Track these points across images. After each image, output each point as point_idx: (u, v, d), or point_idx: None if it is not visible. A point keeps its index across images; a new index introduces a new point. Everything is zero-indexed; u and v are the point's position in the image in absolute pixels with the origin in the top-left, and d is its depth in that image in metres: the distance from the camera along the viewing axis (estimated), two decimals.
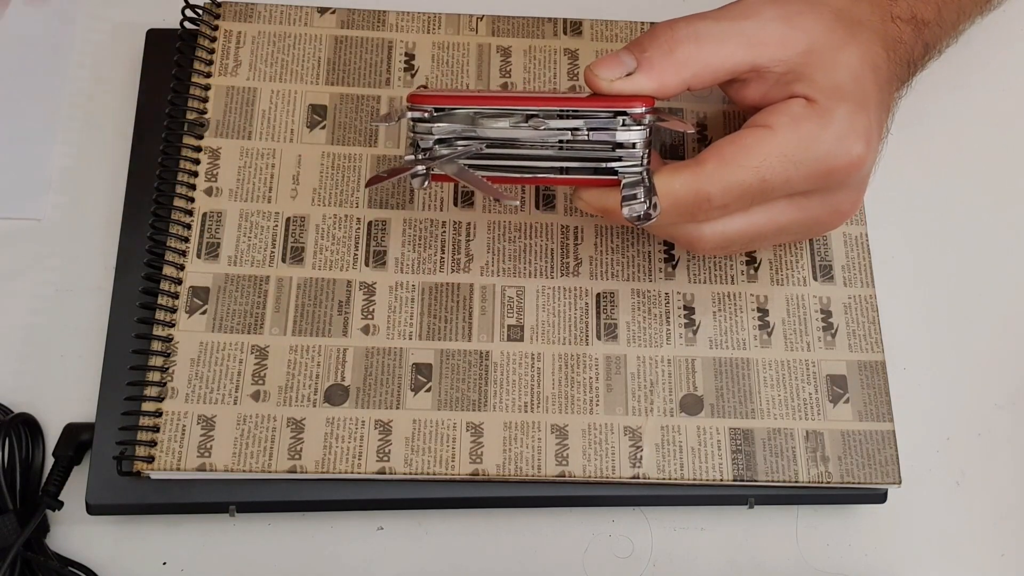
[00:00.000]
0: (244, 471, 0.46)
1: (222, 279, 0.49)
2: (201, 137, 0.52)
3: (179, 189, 0.50)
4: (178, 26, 0.53)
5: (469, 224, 0.51)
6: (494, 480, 0.47)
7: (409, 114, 0.43)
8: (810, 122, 0.43)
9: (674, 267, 0.51)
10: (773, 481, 0.48)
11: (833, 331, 0.50)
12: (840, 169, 0.43)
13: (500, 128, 0.43)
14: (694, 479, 0.47)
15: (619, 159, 0.43)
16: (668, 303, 0.51)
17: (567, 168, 0.44)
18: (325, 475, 0.46)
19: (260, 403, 0.47)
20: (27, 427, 0.48)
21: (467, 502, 0.47)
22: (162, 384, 0.47)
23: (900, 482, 0.48)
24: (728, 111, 0.54)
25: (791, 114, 0.43)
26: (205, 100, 0.52)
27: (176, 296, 0.48)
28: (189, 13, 0.53)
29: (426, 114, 0.43)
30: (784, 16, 0.44)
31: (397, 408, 0.48)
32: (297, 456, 0.46)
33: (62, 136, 0.54)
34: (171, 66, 0.52)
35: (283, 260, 0.50)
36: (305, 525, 0.48)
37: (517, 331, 0.49)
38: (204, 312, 0.48)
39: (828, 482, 0.48)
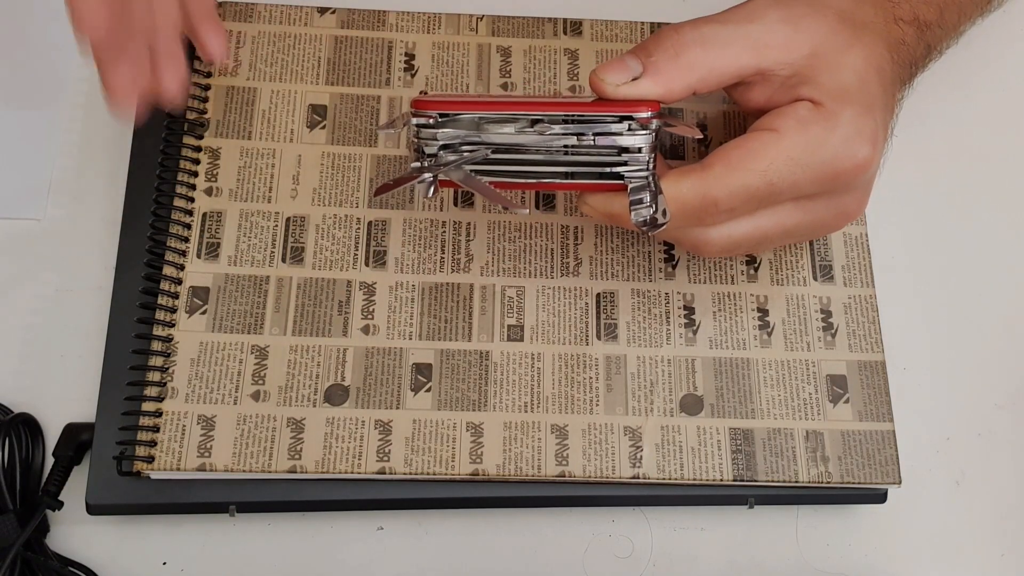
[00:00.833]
0: (244, 471, 0.46)
1: (222, 279, 0.49)
2: (201, 137, 0.52)
3: (179, 189, 0.50)
4: None
5: (469, 224, 0.51)
6: (494, 480, 0.47)
7: (413, 120, 0.43)
8: (816, 125, 0.42)
9: (674, 267, 0.51)
10: (773, 481, 0.48)
11: (833, 331, 0.50)
12: (846, 172, 0.43)
13: (505, 134, 0.43)
14: (694, 479, 0.47)
15: (625, 164, 0.43)
16: (668, 303, 0.51)
17: (573, 173, 0.43)
18: (325, 475, 0.46)
19: (260, 403, 0.47)
20: (27, 427, 0.48)
21: (467, 502, 0.47)
22: (162, 384, 0.47)
23: (900, 482, 0.48)
24: (729, 112, 0.54)
25: (797, 117, 0.43)
26: (205, 100, 0.52)
27: (176, 296, 0.48)
28: None
29: (430, 120, 0.43)
30: (789, 19, 0.44)
31: (397, 408, 0.48)
32: (297, 456, 0.46)
33: (62, 136, 0.54)
34: None
35: (283, 260, 0.50)
36: (305, 525, 0.48)
37: (517, 331, 0.49)
38: (204, 312, 0.48)
39: (828, 482, 0.48)
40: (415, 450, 0.47)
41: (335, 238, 0.50)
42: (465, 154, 0.43)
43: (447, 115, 0.43)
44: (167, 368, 0.47)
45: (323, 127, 0.53)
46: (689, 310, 0.50)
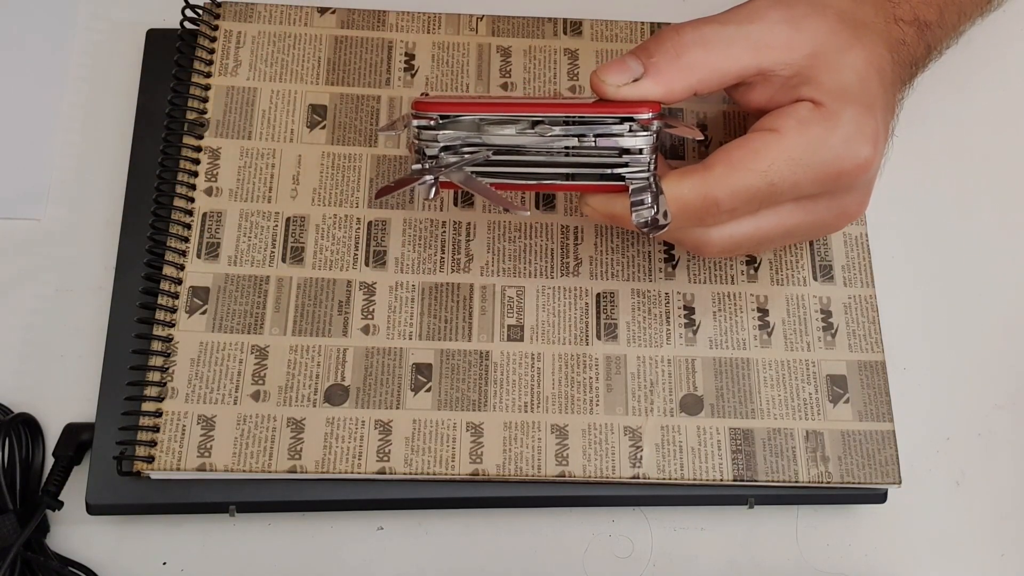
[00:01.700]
0: (244, 471, 0.46)
1: (222, 279, 0.49)
2: (201, 137, 0.52)
3: (179, 189, 0.50)
4: (178, 26, 0.53)
5: (469, 224, 0.51)
6: (494, 480, 0.47)
7: (414, 122, 0.43)
8: (817, 126, 0.42)
9: (674, 267, 0.51)
10: (773, 481, 0.48)
11: (833, 331, 0.50)
12: (848, 172, 0.43)
13: (506, 135, 0.43)
14: (694, 479, 0.47)
15: (626, 165, 0.43)
16: (668, 303, 0.51)
17: (574, 175, 0.43)
18: (325, 475, 0.46)
19: (260, 403, 0.47)
20: (27, 427, 0.48)
21: (467, 502, 0.47)
22: (162, 384, 0.47)
23: (900, 482, 0.48)
24: (729, 111, 0.54)
25: (798, 118, 0.43)
26: (205, 100, 0.52)
27: (176, 296, 0.48)
28: (189, 13, 0.53)
29: (431, 122, 0.43)
30: (789, 19, 0.43)
31: (397, 408, 0.48)
32: (297, 456, 0.46)
33: (62, 136, 0.54)
34: (171, 66, 0.52)
35: (283, 260, 0.50)
36: (305, 525, 0.48)
37: (517, 331, 0.49)
38: (204, 312, 0.48)
39: (828, 482, 0.48)
40: (415, 450, 0.47)
41: (335, 238, 0.50)
42: (466, 156, 0.43)
43: (448, 117, 0.43)
44: (167, 368, 0.47)
45: (323, 127, 0.53)
46: (689, 310, 0.50)
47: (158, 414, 0.46)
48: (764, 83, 0.44)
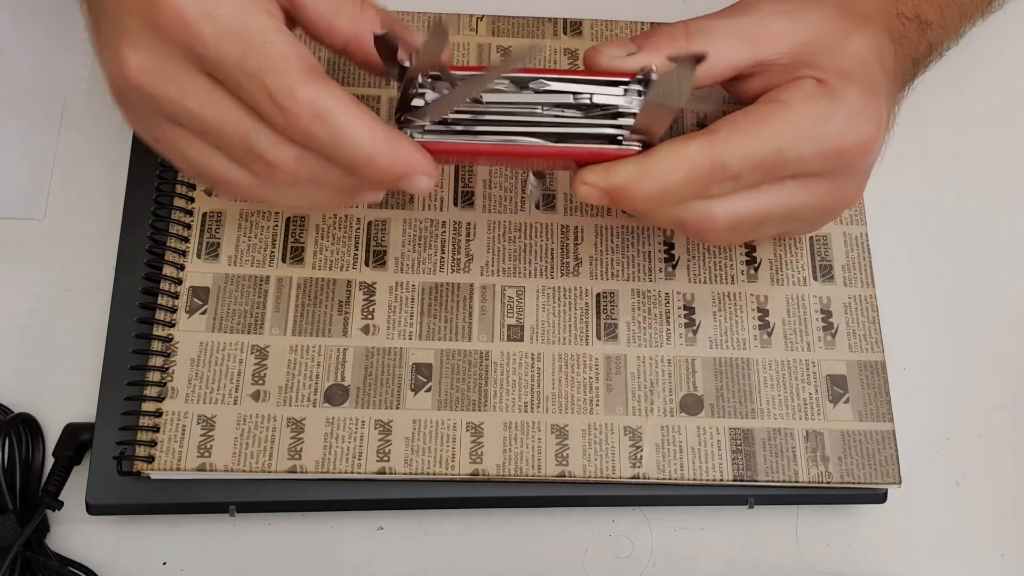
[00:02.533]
0: (244, 471, 0.46)
1: (222, 279, 0.49)
2: None
3: (179, 189, 0.50)
4: None
5: (469, 224, 0.51)
6: (494, 480, 0.47)
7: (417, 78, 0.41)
8: (823, 99, 0.42)
9: (674, 267, 0.51)
10: (773, 481, 0.48)
11: (833, 331, 0.50)
12: (851, 150, 0.42)
13: (499, 91, 0.41)
14: (694, 479, 0.47)
15: (621, 127, 0.42)
16: (668, 303, 0.51)
17: (565, 135, 0.42)
18: (325, 475, 0.46)
19: (260, 403, 0.47)
20: (27, 427, 0.48)
21: (467, 502, 0.47)
22: (162, 384, 0.47)
23: (900, 482, 0.48)
24: (729, 111, 0.54)
25: (804, 91, 0.42)
26: None
27: (176, 296, 0.48)
28: None
29: (426, 79, 0.41)
30: (785, 10, 0.43)
31: (397, 408, 0.48)
32: (297, 456, 0.46)
33: (62, 136, 0.54)
34: None
35: (283, 260, 0.50)
36: (305, 525, 0.48)
37: (517, 331, 0.49)
38: (204, 312, 0.48)
39: (828, 482, 0.48)
40: (415, 450, 0.47)
41: (335, 238, 0.50)
42: (446, 93, 0.41)
43: (440, 74, 0.41)
44: (167, 368, 0.47)
45: None
46: (689, 310, 0.50)
47: (158, 414, 0.46)
48: (762, 73, 0.43)
